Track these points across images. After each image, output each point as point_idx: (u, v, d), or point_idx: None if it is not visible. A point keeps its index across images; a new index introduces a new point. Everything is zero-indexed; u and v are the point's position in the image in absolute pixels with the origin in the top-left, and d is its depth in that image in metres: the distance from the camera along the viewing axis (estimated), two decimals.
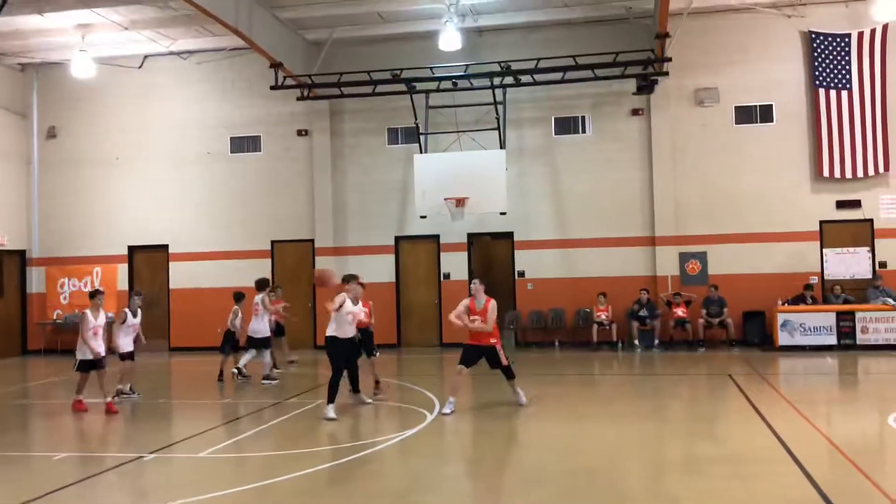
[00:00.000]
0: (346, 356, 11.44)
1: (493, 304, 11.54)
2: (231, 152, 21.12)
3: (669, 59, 17.75)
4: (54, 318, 21.42)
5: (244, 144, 21.08)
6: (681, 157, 19.15)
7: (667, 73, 18.09)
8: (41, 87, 22.04)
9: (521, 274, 19.75)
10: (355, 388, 12.01)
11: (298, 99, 19.75)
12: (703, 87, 19.15)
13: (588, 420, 10.87)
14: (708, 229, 19.00)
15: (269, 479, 8.13)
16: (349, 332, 11.43)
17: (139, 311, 13.21)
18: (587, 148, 19.63)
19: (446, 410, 11.21)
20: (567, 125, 19.78)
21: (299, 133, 20.81)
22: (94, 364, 11.93)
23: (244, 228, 20.86)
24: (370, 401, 12.11)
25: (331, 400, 11.21)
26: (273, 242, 20.80)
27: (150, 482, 8.48)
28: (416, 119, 19.21)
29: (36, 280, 21.77)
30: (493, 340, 11.46)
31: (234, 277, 20.03)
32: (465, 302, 11.60)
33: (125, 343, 12.89)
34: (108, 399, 12.02)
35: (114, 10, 17.94)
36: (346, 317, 11.29)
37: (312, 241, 20.52)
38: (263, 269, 20.50)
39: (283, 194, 20.80)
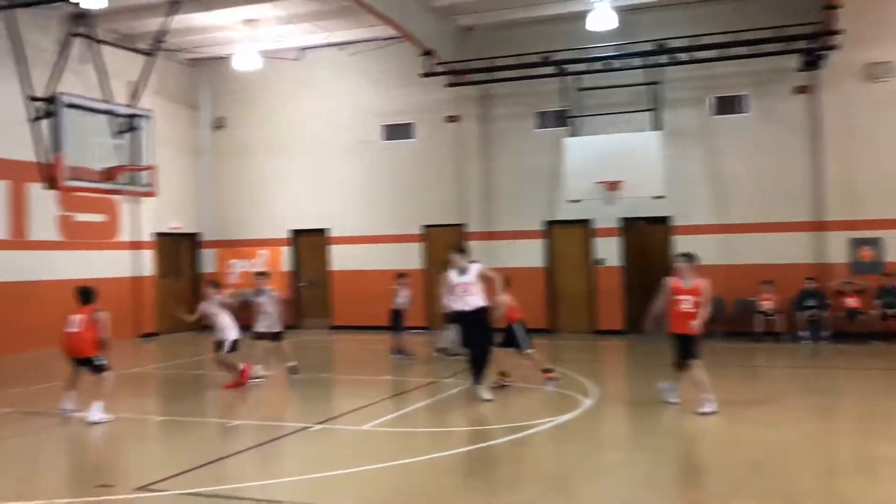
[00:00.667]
0: (466, 331, 11.16)
1: (706, 283, 10.34)
2: (384, 139, 21.64)
3: (839, 32, 16.74)
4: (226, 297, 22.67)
5: (397, 132, 21.54)
6: (851, 137, 18.01)
7: (836, 48, 17.07)
8: (209, 80, 23.28)
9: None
10: (476, 379, 11.16)
11: (448, 85, 19.97)
12: (876, 60, 17.92)
13: (753, 413, 10.41)
14: (883, 213, 17.74)
15: (425, 455, 8.33)
16: (463, 305, 10.98)
17: (265, 290, 13.47)
18: (748, 128, 18.81)
19: (707, 409, 10.04)
20: (726, 105, 19.02)
21: (449, 119, 21.04)
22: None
23: (397, 213, 21.33)
24: (488, 397, 11.15)
25: (476, 380, 11.13)
26: (425, 227, 21.19)
27: (316, 451, 8.87)
28: (566, 102, 19.04)
29: (208, 261, 23.14)
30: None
31: (389, 260, 20.60)
32: (668, 282, 10.40)
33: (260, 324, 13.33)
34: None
35: (275, 6, 18.69)
36: (455, 290, 11.00)
37: (463, 225, 20.76)
38: (416, 253, 20.97)
39: (435, 180, 21.11)
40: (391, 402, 11.54)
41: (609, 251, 19.72)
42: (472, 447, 8.75)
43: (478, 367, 11.16)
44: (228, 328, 12.54)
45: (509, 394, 11.80)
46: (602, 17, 17.46)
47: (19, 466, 8.53)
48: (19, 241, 17.56)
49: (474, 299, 11.00)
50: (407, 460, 8.19)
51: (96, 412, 10.07)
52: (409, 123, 21.42)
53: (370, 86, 21.69)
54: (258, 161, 22.63)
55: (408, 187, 21.29)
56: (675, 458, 8.57)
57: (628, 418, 10.52)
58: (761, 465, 7.83)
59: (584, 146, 18.44)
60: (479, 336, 11.13)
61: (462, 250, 11.28)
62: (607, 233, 19.70)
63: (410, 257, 21.02)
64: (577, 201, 18.59)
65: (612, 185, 17.79)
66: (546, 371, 12.32)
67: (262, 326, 13.39)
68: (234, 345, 12.52)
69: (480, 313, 11.08)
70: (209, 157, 23.23)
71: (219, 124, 23.17)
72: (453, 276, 10.98)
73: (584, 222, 19.86)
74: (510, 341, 12.08)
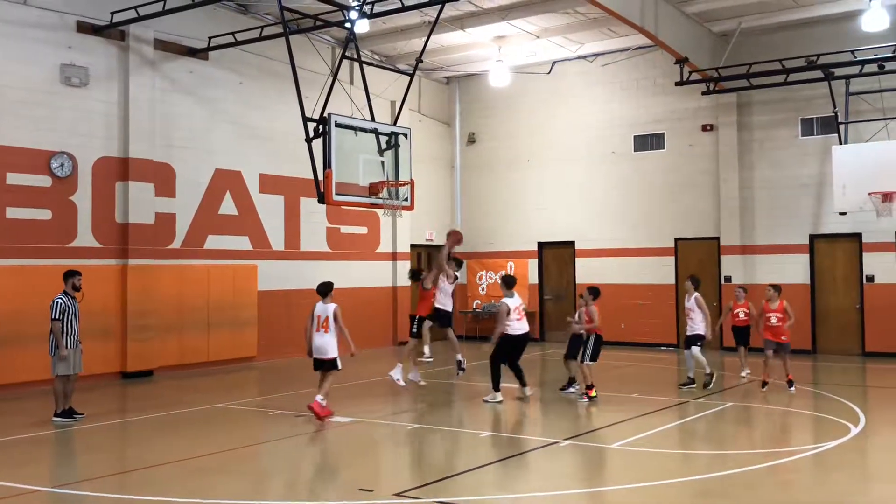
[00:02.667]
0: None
1: None
2: (634, 150, 21.28)
3: None
4: (473, 307, 23.38)
5: (647, 142, 21.12)
6: None
7: None
8: (462, 97, 24.14)
9: None
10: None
11: (704, 93, 19.30)
12: None
13: None
14: None
15: (677, 478, 8.09)
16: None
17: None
18: None
19: None
20: None
21: (704, 128, 20.31)
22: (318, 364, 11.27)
23: (647, 226, 20.88)
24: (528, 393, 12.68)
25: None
26: (676, 240, 20.56)
27: (563, 468, 8.88)
28: (834, 108, 17.74)
29: (460, 273, 23.88)
30: None
31: (638, 274, 20.30)
32: None
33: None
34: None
35: (527, 21, 19.02)
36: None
37: (718, 238, 19.93)
38: (667, 266, 20.44)
39: (687, 191, 20.46)
40: (640, 421, 11.30)
41: (883, 268, 18.11)
42: (726, 472, 8.36)
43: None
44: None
45: (773, 418, 11.20)
46: (875, 17, 16.16)
47: (287, 467, 9.26)
48: (292, 251, 19.16)
49: None
50: (656, 482, 7.98)
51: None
52: (661, 134, 20.93)
53: (621, 96, 21.46)
54: (507, 174, 23.11)
55: (659, 199, 20.79)
56: None
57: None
58: None
59: (855, 154, 17.07)
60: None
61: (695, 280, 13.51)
62: (880, 248, 18.12)
63: (662, 271, 20.53)
64: (845, 214, 17.31)
65: (887, 197, 16.31)
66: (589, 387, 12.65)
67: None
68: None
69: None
70: (461, 171, 24.06)
71: (471, 139, 23.94)
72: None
73: (853, 236, 18.40)
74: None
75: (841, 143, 17.60)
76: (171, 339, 16.35)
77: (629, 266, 20.94)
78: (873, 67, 16.99)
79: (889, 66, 16.84)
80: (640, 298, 20.29)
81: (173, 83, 16.92)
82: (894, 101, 17.48)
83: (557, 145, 22.30)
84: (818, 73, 17.47)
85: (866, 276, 18.31)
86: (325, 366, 11.07)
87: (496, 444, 9.86)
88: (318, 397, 10.95)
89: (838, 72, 17.42)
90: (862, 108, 17.85)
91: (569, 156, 22.09)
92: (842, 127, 17.76)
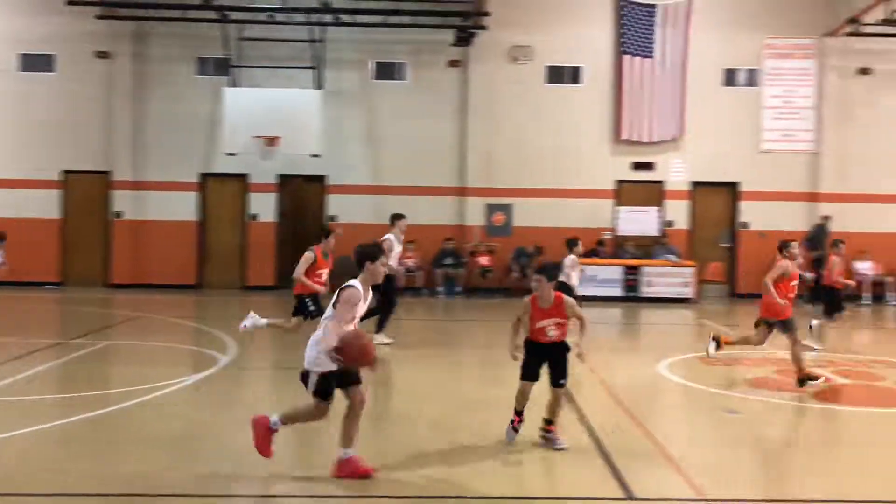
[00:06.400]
0: None
1: None
2: (20, 70, 19.39)
3: (487, 14, 17.94)
4: None
5: (35, 63, 19.38)
6: (493, 112, 19.50)
7: (484, 28, 18.29)
8: None
9: (333, 218, 19.58)
10: None
11: (98, 17, 18.39)
12: (519, 44, 19.49)
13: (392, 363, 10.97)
14: (514, 183, 19.56)
15: (39, 425, 7.66)
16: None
17: None
18: (405, 95, 19.59)
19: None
20: (386, 71, 19.63)
21: (99, 55, 19.36)
22: None
23: (33, 156, 19.23)
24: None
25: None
26: (66, 172, 19.41)
27: None
28: (228, 50, 18.44)
29: None
30: None
31: (21, 207, 18.82)
32: None
33: None
34: None
35: None
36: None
37: (109, 172, 19.34)
38: (51, 200, 19.23)
39: (78, 120, 19.33)
40: (13, 364, 10.45)
41: (265, 207, 19.59)
42: (92, 413, 8.16)
43: None
44: None
45: (147, 353, 11.33)
46: None
47: None
48: None
49: None
50: (16, 432, 7.46)
51: None
52: (51, 55, 19.40)
53: (6, 8, 19.26)
54: None
55: (45, 126, 19.26)
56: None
57: (266, 378, 10.56)
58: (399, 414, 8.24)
59: (243, 98, 18.05)
60: None
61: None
62: (264, 188, 19.56)
63: (47, 205, 19.23)
64: (234, 154, 18.21)
65: (271, 141, 17.67)
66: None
67: None
68: None
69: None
70: None
71: None
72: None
73: (240, 176, 19.49)
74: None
75: (232, 86, 18.40)
76: None
77: (14, 197, 19.13)
78: (264, 17, 18.07)
79: (278, 17, 18.09)
80: (25, 234, 18.68)
81: None
82: (281, 52, 18.75)
83: None
84: (213, 14, 17.93)
85: (251, 215, 19.60)
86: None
87: None
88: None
89: (233, 15, 18.10)
90: (255, 55, 18.81)
91: None
92: (234, 70, 18.55)
